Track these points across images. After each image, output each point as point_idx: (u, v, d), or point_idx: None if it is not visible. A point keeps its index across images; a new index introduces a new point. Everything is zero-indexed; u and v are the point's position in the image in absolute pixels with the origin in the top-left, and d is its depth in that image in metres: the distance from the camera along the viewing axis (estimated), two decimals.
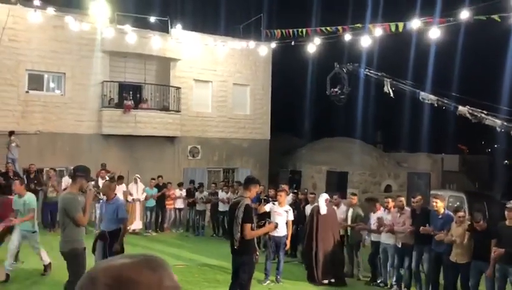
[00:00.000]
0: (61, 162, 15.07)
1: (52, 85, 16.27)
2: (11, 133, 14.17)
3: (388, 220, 9.02)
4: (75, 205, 5.71)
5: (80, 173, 5.95)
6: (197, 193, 15.16)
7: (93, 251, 6.84)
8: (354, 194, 10.58)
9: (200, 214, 15.11)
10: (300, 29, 14.00)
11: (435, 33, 10.31)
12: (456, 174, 23.48)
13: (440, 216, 8.08)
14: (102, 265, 1.01)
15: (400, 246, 8.74)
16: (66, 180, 12.49)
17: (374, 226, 9.47)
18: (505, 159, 32.96)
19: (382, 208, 9.52)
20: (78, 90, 16.11)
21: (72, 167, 13.21)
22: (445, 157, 24.13)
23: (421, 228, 8.04)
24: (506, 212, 7.19)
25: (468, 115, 11.25)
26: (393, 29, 11.38)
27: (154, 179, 14.73)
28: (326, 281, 9.25)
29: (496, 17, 9.36)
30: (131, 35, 15.62)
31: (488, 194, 17.87)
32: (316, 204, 9.92)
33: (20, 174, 13.44)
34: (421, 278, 8.61)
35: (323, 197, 9.58)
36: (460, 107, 11.43)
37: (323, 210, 9.36)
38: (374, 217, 9.58)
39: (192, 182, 15.79)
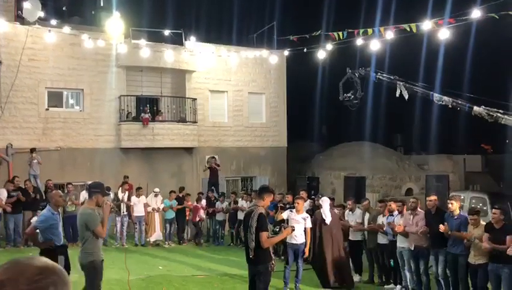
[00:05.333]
0: (81, 176, 15.33)
1: (71, 102, 16.62)
2: (33, 150, 14.52)
3: (400, 223, 8.91)
4: (94, 218, 6.02)
5: (95, 189, 6.21)
6: (217, 203, 15.23)
7: None
8: (366, 199, 10.60)
9: (220, 224, 15.19)
10: (312, 34, 13.97)
11: (445, 33, 10.21)
12: (479, 174, 23.03)
13: (456, 217, 7.96)
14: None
15: (412, 248, 8.60)
16: (84, 194, 12.70)
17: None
18: None
19: (396, 211, 9.41)
20: (96, 105, 16.41)
21: (89, 182, 13.66)
22: (467, 158, 23.70)
23: (440, 225, 7.86)
24: None
25: (484, 115, 11.11)
26: (407, 28, 11.31)
27: (174, 191, 14.80)
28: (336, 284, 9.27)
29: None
30: (146, 50, 15.91)
31: None
32: (318, 210, 9.76)
33: (41, 190, 13.76)
34: (442, 283, 8.46)
35: (327, 203, 9.54)
36: (475, 108, 11.28)
37: (328, 219, 9.29)
38: (380, 220, 9.54)
39: (211, 190, 15.68)
